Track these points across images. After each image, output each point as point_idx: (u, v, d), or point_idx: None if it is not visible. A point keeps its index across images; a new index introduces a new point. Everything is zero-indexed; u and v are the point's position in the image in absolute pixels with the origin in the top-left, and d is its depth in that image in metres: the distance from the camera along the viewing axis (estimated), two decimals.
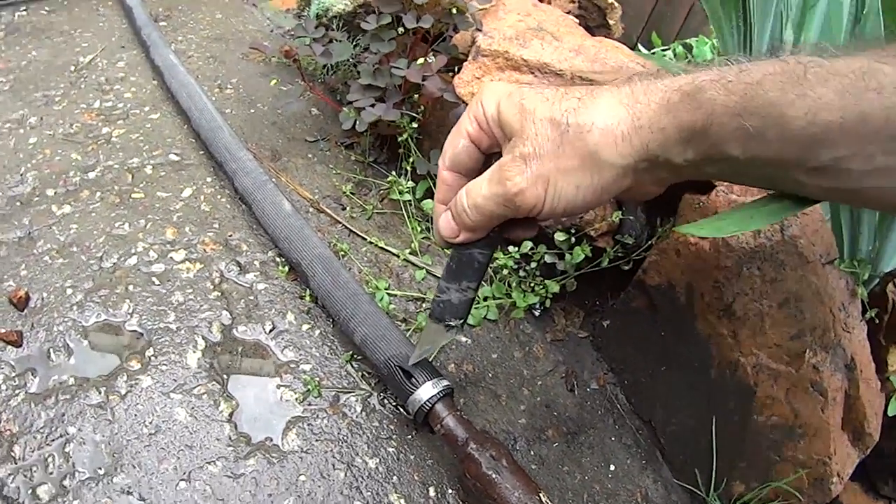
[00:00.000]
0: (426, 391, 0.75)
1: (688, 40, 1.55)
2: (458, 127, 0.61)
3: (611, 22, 1.35)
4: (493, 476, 0.71)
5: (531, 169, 0.54)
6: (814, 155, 0.47)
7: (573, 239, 0.93)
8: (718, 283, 0.81)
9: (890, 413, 0.82)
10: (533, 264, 0.96)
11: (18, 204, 0.95)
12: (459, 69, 0.99)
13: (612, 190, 0.55)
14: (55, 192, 0.97)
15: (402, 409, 0.83)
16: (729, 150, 0.50)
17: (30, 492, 0.68)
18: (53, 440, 0.72)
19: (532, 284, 0.97)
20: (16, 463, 0.69)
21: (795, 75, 0.46)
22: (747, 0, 0.87)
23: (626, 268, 0.95)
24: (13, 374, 0.76)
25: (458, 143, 0.61)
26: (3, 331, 0.79)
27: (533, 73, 0.94)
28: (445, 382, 0.77)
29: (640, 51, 1.43)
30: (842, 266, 0.78)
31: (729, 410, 0.83)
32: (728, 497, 0.85)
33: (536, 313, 0.99)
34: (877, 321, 0.84)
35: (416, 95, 1.03)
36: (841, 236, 0.84)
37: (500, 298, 0.96)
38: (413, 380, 0.76)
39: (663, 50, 1.56)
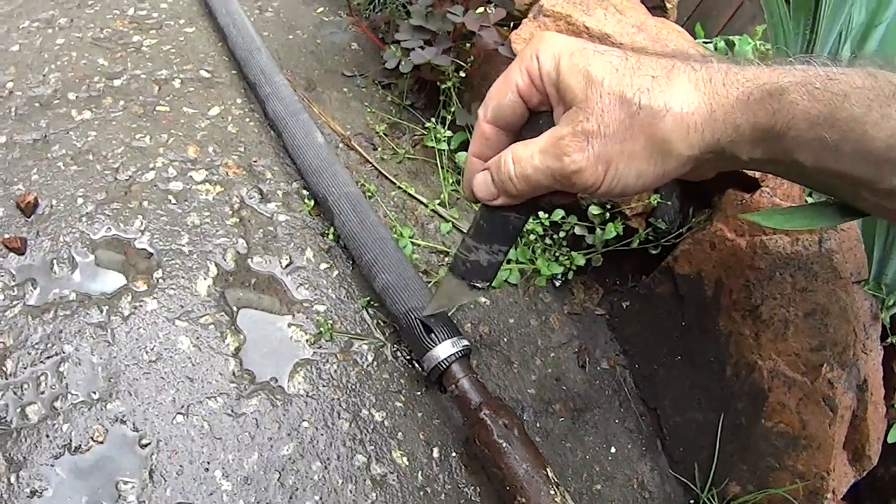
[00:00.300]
0: (445, 349, 0.67)
1: (731, 37, 1.43)
2: (507, 78, 0.51)
3: (668, 5, 1.22)
4: (504, 445, 0.63)
5: (593, 148, 0.45)
6: (886, 177, 0.42)
7: (607, 215, 0.83)
8: (749, 282, 0.74)
9: (889, 440, 0.76)
10: (562, 234, 0.86)
11: (37, 105, 0.83)
12: (516, 25, 0.88)
13: (672, 176, 0.47)
14: (77, 97, 0.86)
15: (416, 364, 0.73)
16: (800, 158, 0.44)
17: (19, 410, 0.59)
18: (48, 358, 0.62)
19: (557, 254, 0.87)
20: (6, 378, 0.60)
21: (885, 94, 0.40)
22: (818, 12, 0.78)
23: (655, 252, 0.86)
24: (12, 284, 0.66)
25: (504, 95, 0.51)
26: (7, 236, 0.68)
27: (593, 41, 0.83)
28: (465, 342, 0.68)
29: None
30: (866, 288, 0.72)
31: (737, 411, 0.77)
32: (722, 497, 0.78)
33: (557, 284, 0.89)
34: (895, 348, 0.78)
35: (467, 44, 0.91)
36: (871, 258, 0.77)
37: (523, 263, 0.86)
38: (432, 335, 0.67)
39: (705, 42, 1.43)
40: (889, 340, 0.77)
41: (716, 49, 1.44)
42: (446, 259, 0.84)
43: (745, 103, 0.43)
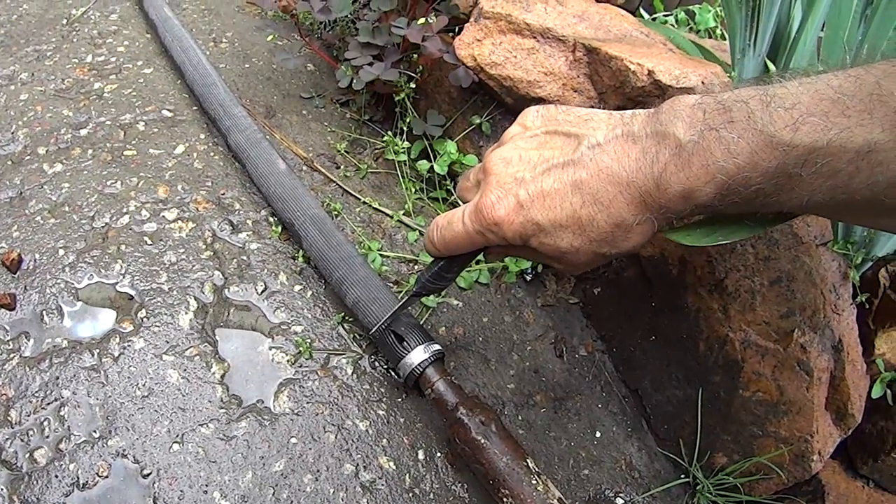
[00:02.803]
0: (417, 355, 0.75)
1: (691, 6, 1.50)
2: (471, 239, 0.62)
3: None
4: (482, 441, 0.71)
5: (576, 270, 0.64)
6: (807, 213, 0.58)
7: None
8: (711, 257, 0.80)
9: (873, 395, 0.82)
10: None
11: (9, 163, 0.92)
12: (460, 30, 0.96)
13: None
14: (47, 151, 0.95)
15: (393, 373, 0.82)
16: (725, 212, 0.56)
17: (27, 455, 0.68)
18: (48, 404, 0.71)
19: None
20: (12, 427, 0.69)
21: (792, 176, 0.47)
22: None
23: None
24: (7, 338, 0.75)
25: (468, 247, 0.64)
26: None
27: (535, 37, 0.90)
28: (436, 347, 0.76)
29: (642, 16, 1.38)
30: (835, 248, 0.77)
31: (715, 384, 0.83)
32: (710, 469, 0.85)
33: (528, 278, 0.97)
34: (867, 305, 0.84)
35: (415, 55, 0.99)
36: None
37: (491, 262, 0.94)
38: (405, 344, 0.75)
39: (665, 15, 1.50)
40: (859, 298, 0.83)
41: (677, 20, 1.52)
42: (416, 267, 0.93)
43: (674, 208, 0.53)
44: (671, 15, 1.50)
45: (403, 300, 0.75)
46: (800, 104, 0.46)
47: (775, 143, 0.46)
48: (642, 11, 1.42)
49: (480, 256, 0.86)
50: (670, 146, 0.51)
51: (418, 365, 0.75)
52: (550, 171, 0.57)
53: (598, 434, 0.88)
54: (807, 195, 0.47)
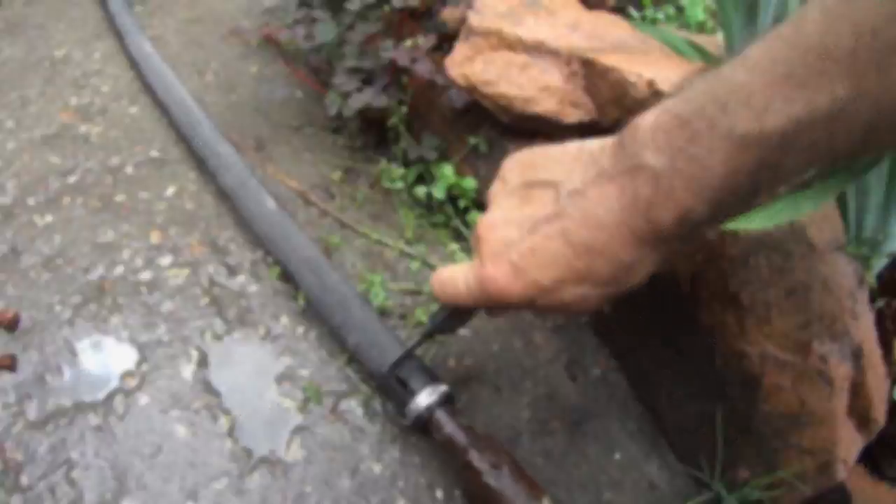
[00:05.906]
0: (423, 399, 0.76)
1: (680, 1, 1.50)
2: (472, 300, 0.64)
3: None
4: (494, 485, 0.72)
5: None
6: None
7: None
8: (724, 272, 0.80)
9: (895, 397, 0.82)
10: None
11: (0, 217, 0.94)
12: (450, 48, 0.96)
13: None
14: (36, 202, 0.96)
15: (401, 416, 0.83)
16: None
17: None
18: (58, 467, 0.73)
19: None
20: (24, 493, 0.71)
21: (777, 164, 0.47)
22: None
23: None
24: (11, 402, 0.77)
25: (469, 303, 0.66)
26: None
27: (528, 52, 0.91)
28: (442, 388, 0.77)
29: (631, 15, 1.38)
30: (849, 249, 0.77)
31: (734, 399, 0.84)
32: (733, 483, 0.87)
33: None
34: (883, 306, 0.85)
35: (405, 77, 1.00)
36: (847, 218, 0.83)
37: None
38: (409, 388, 0.76)
39: (655, 11, 1.51)
40: (877, 304, 0.84)
41: (666, 16, 1.52)
42: (420, 298, 0.94)
43: (672, 234, 0.53)
44: (660, 10, 1.50)
45: (415, 342, 0.77)
46: (755, 93, 0.46)
47: (746, 141, 0.46)
48: (632, 9, 1.43)
49: None
50: (647, 179, 0.51)
51: (425, 409, 0.76)
52: (537, 228, 0.58)
53: (617, 455, 0.90)
54: (801, 170, 0.48)
